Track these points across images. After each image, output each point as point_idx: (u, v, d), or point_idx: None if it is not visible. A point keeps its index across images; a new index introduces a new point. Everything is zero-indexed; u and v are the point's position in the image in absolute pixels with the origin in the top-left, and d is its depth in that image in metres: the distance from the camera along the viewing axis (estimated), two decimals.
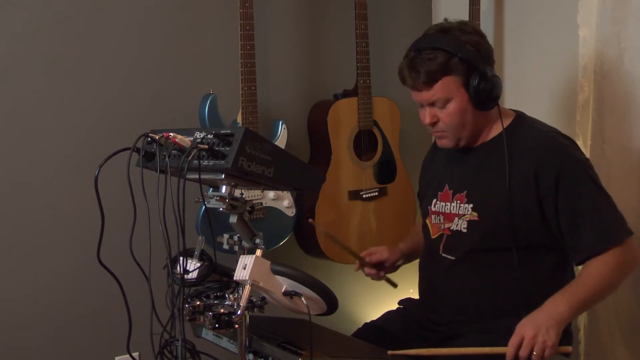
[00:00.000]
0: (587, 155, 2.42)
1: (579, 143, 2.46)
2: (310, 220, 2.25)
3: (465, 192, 1.96)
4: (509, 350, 1.71)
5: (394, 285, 2.24)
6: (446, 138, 1.95)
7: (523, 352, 1.69)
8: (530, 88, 2.75)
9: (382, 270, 2.17)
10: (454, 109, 1.88)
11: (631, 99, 2.33)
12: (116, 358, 2.49)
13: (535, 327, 1.71)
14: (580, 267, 1.89)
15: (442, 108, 1.89)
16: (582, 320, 2.50)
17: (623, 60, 2.33)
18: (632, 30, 2.30)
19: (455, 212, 1.96)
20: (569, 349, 1.78)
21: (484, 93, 1.85)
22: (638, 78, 2.31)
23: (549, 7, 2.67)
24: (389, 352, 1.75)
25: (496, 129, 1.94)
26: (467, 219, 1.93)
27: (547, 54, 2.67)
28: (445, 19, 1.92)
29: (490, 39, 2.84)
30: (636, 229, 2.33)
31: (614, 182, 2.38)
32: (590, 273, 1.81)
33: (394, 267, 2.21)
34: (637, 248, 1.88)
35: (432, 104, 1.90)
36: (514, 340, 1.71)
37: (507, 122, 1.94)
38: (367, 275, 2.18)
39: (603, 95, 2.39)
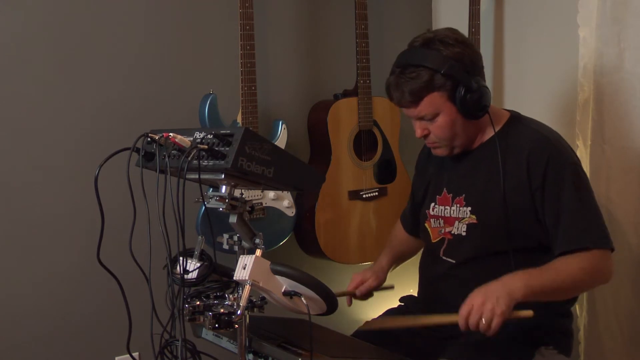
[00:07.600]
0: (587, 155, 2.42)
1: (579, 143, 2.46)
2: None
3: (464, 195, 1.96)
4: (459, 319, 1.70)
5: (390, 287, 2.24)
6: (440, 148, 1.97)
7: (471, 320, 1.67)
8: (530, 88, 2.75)
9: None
10: (443, 122, 1.89)
11: (631, 99, 2.33)
12: (116, 358, 2.49)
13: (485, 295, 1.69)
14: None
15: (431, 121, 1.90)
16: (582, 320, 2.50)
17: (623, 60, 2.33)
18: (632, 30, 2.30)
19: (455, 216, 1.97)
20: (530, 313, 1.71)
21: (472, 104, 1.85)
22: (638, 78, 2.31)
23: (549, 7, 2.67)
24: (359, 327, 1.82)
25: (490, 131, 1.94)
26: (467, 222, 1.94)
27: (547, 54, 2.67)
28: (428, 29, 1.91)
29: (490, 39, 2.87)
30: (636, 228, 2.34)
31: (614, 182, 2.38)
32: (557, 264, 1.80)
33: None
34: (611, 264, 1.86)
35: (421, 118, 1.91)
36: (463, 309, 1.69)
37: (501, 123, 1.95)
38: (359, 299, 2.18)
39: (603, 95, 2.39)
